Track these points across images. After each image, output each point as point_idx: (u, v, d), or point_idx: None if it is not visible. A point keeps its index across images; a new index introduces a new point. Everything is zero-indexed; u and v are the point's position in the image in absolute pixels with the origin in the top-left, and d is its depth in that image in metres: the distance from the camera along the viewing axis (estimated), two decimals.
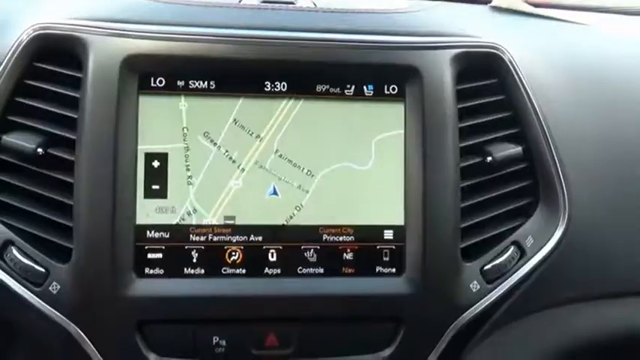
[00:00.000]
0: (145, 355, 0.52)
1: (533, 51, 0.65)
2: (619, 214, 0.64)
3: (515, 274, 0.56)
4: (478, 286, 0.55)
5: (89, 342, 0.52)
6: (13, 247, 0.52)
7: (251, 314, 0.52)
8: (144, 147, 0.53)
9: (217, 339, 0.52)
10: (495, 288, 0.56)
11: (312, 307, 0.53)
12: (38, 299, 0.51)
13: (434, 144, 0.54)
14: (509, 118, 0.59)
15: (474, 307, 0.55)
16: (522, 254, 0.57)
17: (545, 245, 0.58)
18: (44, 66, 0.54)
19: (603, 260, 0.63)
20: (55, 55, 0.54)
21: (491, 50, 0.58)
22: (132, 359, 0.52)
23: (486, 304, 0.55)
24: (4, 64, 0.53)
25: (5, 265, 0.52)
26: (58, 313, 0.51)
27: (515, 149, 0.58)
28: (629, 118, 0.67)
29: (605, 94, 0.67)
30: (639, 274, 0.65)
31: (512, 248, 0.57)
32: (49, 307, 0.51)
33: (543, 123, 0.59)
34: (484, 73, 0.59)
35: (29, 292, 0.52)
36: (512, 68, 0.58)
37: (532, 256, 0.57)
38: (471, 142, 0.57)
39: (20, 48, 0.53)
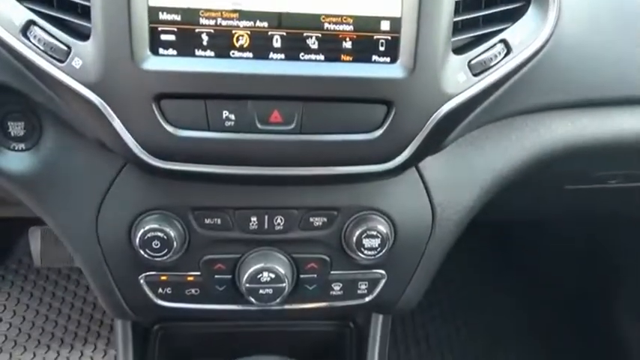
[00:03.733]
0: (163, 126, 0.58)
1: None
2: (607, 25, 0.68)
3: (501, 69, 0.61)
4: (465, 77, 0.60)
5: (113, 113, 0.58)
6: (35, 27, 0.56)
7: (257, 91, 0.58)
8: None
9: (227, 113, 0.58)
10: (481, 80, 0.61)
11: (313, 88, 0.58)
12: (63, 73, 0.57)
13: None
14: None
15: (460, 95, 0.60)
16: (509, 51, 0.61)
17: (531, 45, 0.62)
18: None
19: (588, 68, 0.68)
20: None
21: None
22: (151, 130, 0.58)
23: (471, 94, 0.60)
24: None
25: (30, 43, 0.57)
26: (82, 86, 0.57)
27: None
28: None
29: None
30: (622, 84, 0.70)
31: (499, 45, 0.61)
32: (73, 80, 0.57)
33: None
34: None
35: (54, 68, 0.57)
36: None
37: (518, 54, 0.61)
38: None
39: None
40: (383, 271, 0.75)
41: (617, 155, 0.80)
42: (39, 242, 1.66)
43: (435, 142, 0.64)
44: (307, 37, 0.58)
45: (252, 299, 0.71)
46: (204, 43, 0.57)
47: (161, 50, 0.57)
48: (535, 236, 1.66)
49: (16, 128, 0.67)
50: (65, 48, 0.56)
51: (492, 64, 0.61)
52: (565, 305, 1.64)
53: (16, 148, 0.67)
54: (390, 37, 0.59)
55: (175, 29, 0.57)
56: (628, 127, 0.73)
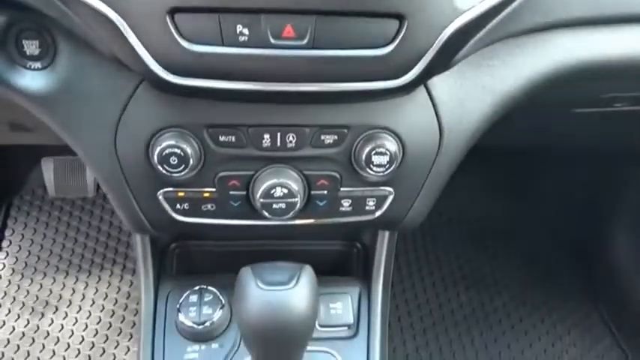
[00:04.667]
0: (177, 41, 0.59)
1: None
2: None
3: None
4: None
5: (128, 28, 0.58)
6: None
7: (269, 5, 0.58)
8: None
9: (240, 28, 0.59)
10: None
11: (325, 1, 0.58)
12: None
13: None
14: None
15: (471, 10, 0.60)
16: None
17: None
18: None
19: None
20: None
21: None
22: (166, 45, 0.59)
23: (483, 9, 0.61)
24: None
25: None
26: (97, 0, 0.57)
27: None
28: None
29: None
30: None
31: None
32: None
33: None
34: None
35: None
36: None
37: None
38: None
39: None
40: (390, 189, 0.78)
41: (625, 75, 0.81)
42: (52, 173, 1.70)
43: (445, 59, 0.64)
44: None
45: (266, 213, 0.74)
46: None
47: None
48: (541, 165, 1.69)
49: (31, 47, 0.68)
50: None
51: None
52: (568, 238, 1.69)
53: (33, 67, 0.69)
54: None
55: None
56: (637, 45, 0.74)
